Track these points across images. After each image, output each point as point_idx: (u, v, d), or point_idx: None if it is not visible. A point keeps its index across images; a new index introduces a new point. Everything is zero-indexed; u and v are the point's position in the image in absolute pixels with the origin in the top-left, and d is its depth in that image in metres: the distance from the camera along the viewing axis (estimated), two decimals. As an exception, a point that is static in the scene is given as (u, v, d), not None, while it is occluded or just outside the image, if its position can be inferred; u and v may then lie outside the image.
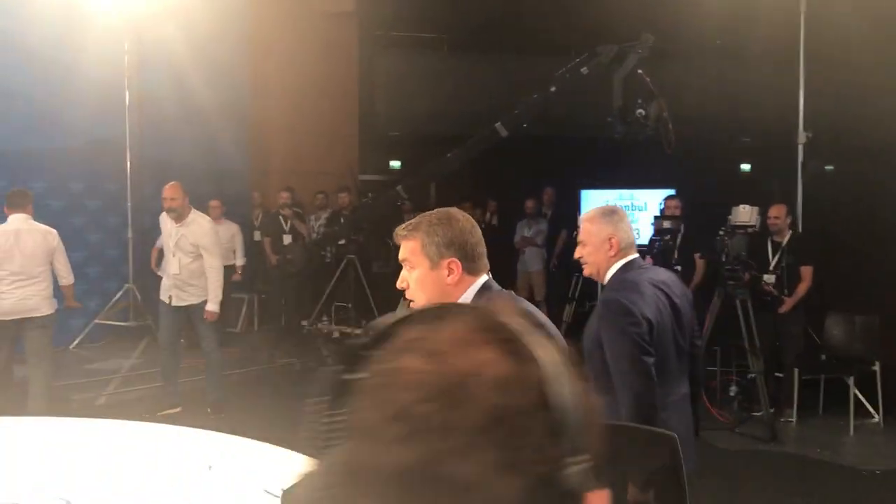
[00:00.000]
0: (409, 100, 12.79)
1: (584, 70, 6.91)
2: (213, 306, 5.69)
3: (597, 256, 2.73)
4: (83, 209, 8.41)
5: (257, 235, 9.22)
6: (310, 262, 8.85)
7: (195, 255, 5.68)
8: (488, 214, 10.23)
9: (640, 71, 6.65)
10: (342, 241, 8.81)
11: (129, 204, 8.53)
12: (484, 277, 2.08)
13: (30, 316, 5.25)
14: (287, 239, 8.77)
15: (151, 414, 5.56)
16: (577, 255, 2.82)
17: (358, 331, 8.47)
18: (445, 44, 12.83)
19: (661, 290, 2.71)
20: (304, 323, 8.69)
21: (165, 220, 5.91)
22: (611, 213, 2.77)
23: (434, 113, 12.77)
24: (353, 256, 8.34)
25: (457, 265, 2.02)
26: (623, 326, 2.57)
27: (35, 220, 5.45)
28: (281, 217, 8.82)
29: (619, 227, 2.70)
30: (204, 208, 8.65)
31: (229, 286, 8.66)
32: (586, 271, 2.82)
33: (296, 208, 9.10)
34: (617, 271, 2.71)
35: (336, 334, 8.65)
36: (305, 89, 10.43)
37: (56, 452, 2.67)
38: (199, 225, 5.81)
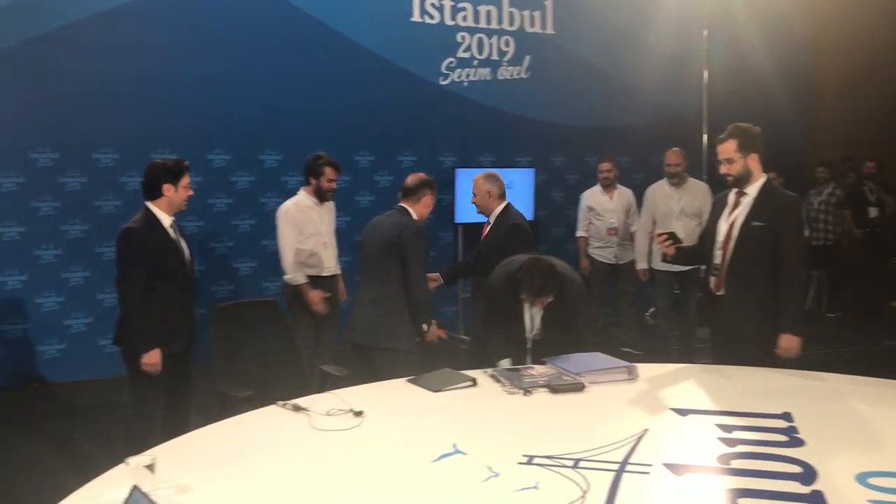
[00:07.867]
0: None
1: None
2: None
3: None
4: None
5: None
6: (900, 237, 8.11)
7: (700, 221, 5.62)
8: None
9: None
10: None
11: (704, 176, 8.56)
12: None
13: None
14: (873, 212, 8.10)
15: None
16: None
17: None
18: None
19: None
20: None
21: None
22: None
23: None
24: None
25: None
26: None
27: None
28: (866, 189, 8.17)
29: None
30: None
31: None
32: None
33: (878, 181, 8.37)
34: None
35: (945, 316, 7.80)
36: (865, 53, 9.62)
37: None
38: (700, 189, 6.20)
